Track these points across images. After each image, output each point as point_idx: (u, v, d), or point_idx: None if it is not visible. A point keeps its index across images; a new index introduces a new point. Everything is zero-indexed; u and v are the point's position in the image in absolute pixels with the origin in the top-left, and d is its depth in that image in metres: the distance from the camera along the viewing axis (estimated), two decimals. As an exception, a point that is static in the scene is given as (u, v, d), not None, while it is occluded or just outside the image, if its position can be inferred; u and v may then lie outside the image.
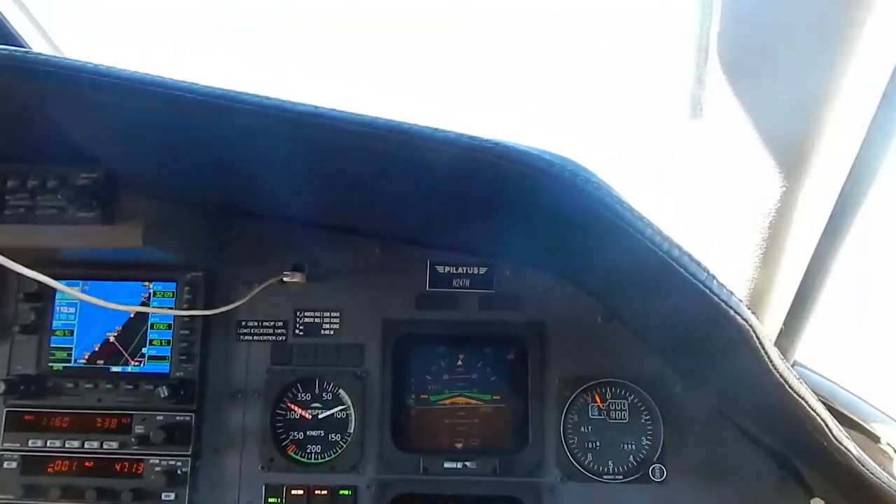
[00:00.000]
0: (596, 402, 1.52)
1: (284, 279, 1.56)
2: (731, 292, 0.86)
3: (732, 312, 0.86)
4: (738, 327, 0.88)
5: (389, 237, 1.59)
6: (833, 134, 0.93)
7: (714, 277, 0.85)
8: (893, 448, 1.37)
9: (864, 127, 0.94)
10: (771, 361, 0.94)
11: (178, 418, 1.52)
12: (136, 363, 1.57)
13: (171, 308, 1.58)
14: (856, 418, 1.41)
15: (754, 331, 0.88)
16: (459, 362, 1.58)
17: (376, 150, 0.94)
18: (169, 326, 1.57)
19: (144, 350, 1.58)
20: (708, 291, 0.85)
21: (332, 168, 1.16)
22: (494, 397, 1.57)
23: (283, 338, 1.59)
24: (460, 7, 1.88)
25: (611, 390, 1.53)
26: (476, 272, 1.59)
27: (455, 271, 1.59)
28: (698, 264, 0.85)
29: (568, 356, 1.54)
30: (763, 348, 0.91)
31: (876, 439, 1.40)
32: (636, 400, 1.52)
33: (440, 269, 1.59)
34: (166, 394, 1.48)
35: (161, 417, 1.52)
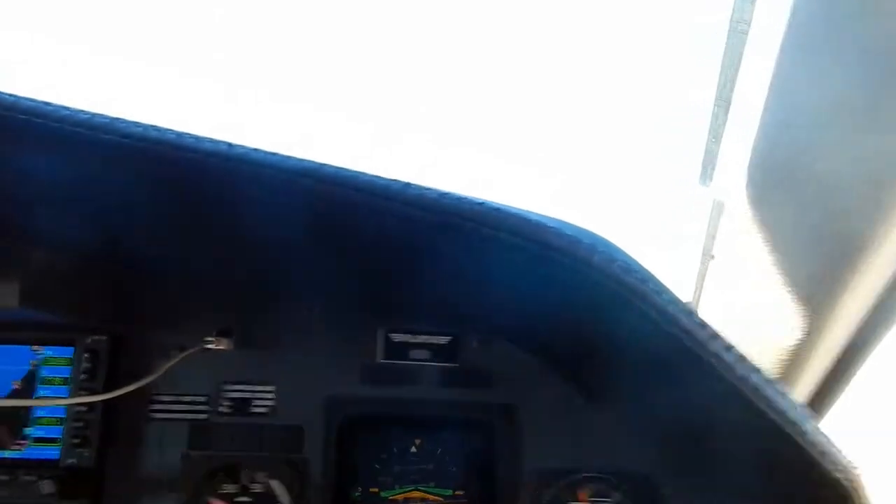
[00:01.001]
0: (579, 499, 1.30)
1: (208, 346, 1.30)
2: (828, 438, 0.66)
3: (835, 472, 0.65)
4: (838, 490, 0.67)
5: (337, 298, 1.35)
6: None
7: (809, 417, 0.65)
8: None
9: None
10: None
11: (65, 519, 1.23)
12: (17, 447, 1.28)
13: (65, 378, 1.30)
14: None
15: (858, 493, 0.67)
16: (414, 448, 1.34)
17: (325, 211, 0.72)
18: (68, 398, 1.29)
19: (29, 430, 1.28)
20: (800, 439, 0.65)
21: (272, 223, 0.93)
22: (456, 493, 1.32)
23: (205, 416, 1.32)
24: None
25: (592, 487, 1.31)
26: (438, 342, 1.36)
27: (413, 340, 1.36)
28: (783, 395, 0.65)
29: (544, 445, 1.32)
30: None
31: None
32: (623, 499, 1.30)
33: (395, 337, 1.36)
34: (50, 489, 1.19)
35: (44, 518, 1.23)
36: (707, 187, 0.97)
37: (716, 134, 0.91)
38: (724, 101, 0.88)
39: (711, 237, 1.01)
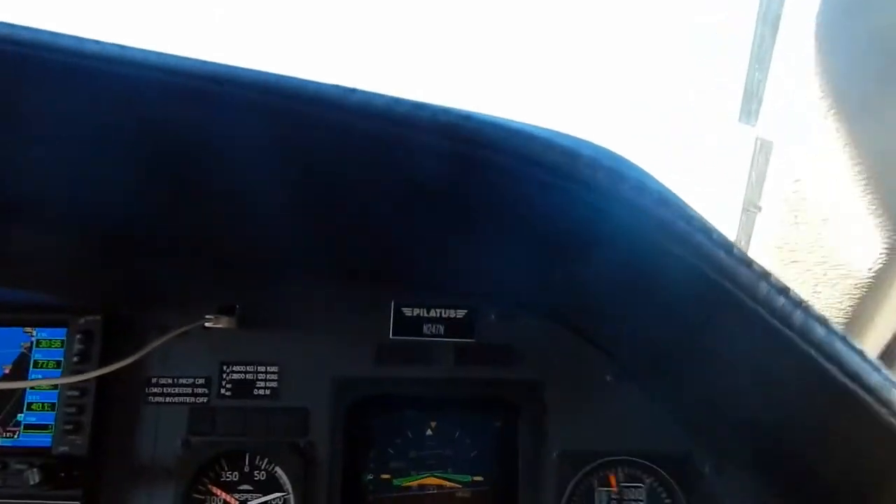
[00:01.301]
0: (610, 484, 1.19)
1: (208, 324, 1.22)
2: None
3: None
4: None
5: (342, 271, 1.26)
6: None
7: (891, 382, 0.52)
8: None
9: None
10: None
11: (56, 510, 1.15)
12: (9, 434, 1.20)
13: (57, 362, 1.22)
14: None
15: None
16: (430, 431, 1.24)
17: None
18: (54, 386, 1.21)
19: (20, 417, 1.21)
20: (883, 411, 0.51)
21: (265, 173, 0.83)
22: (475, 479, 1.22)
23: (205, 399, 1.23)
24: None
25: (623, 471, 1.20)
26: (453, 316, 1.26)
27: (426, 315, 1.26)
28: (859, 353, 0.52)
29: (570, 425, 1.21)
30: None
31: None
32: (656, 483, 1.19)
33: (407, 311, 1.26)
34: (37, 479, 1.11)
35: (35, 508, 1.15)
36: (751, 126, 0.85)
37: (761, 59, 0.79)
38: (770, 20, 0.76)
39: (756, 184, 0.89)
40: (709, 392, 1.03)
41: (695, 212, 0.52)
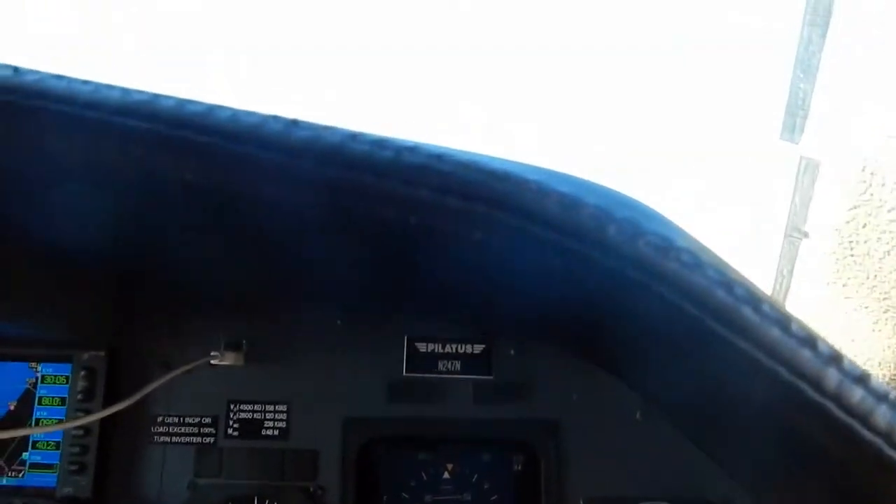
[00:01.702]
0: (640, 535, 1.09)
1: (213, 361, 1.17)
2: None
3: None
4: None
5: (353, 303, 1.19)
6: None
7: None
8: None
9: None
10: None
11: (59, 555, 1.11)
12: (14, 474, 1.17)
13: (63, 398, 1.19)
14: None
15: None
16: (447, 475, 1.16)
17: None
18: (59, 422, 1.18)
19: (25, 456, 1.18)
20: None
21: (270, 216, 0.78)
22: (495, 526, 1.14)
23: (212, 440, 1.18)
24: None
25: (657, 519, 1.10)
26: (470, 351, 1.18)
27: (441, 350, 1.18)
28: None
29: (595, 468, 1.12)
30: None
31: None
32: (694, 534, 1.09)
33: (421, 346, 1.19)
34: (37, 525, 1.07)
35: (38, 553, 1.12)
36: (794, 143, 0.75)
37: (806, 67, 0.69)
38: (820, 17, 0.66)
39: (800, 208, 0.79)
40: (754, 433, 0.93)
41: (737, 274, 0.42)
